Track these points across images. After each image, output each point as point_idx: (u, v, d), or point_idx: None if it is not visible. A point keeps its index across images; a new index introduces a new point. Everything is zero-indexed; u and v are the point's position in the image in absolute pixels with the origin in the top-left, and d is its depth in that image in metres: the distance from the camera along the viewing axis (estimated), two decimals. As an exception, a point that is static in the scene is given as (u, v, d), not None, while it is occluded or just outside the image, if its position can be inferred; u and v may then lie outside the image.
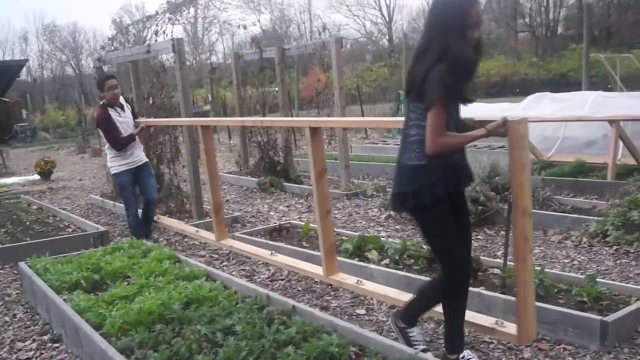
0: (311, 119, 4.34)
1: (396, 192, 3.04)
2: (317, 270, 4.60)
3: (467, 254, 3.16)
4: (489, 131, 2.81)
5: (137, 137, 6.35)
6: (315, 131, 4.21)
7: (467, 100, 2.94)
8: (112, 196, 9.15)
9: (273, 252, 5.20)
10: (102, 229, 6.70)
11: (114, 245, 5.34)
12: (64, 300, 4.02)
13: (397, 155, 3.05)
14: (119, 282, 4.29)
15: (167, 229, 7.05)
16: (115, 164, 6.26)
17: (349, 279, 4.35)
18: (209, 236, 6.10)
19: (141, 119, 6.71)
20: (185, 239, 6.60)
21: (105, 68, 9.08)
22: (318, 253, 5.18)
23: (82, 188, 11.57)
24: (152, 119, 7.22)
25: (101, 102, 6.31)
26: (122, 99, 6.38)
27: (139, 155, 6.39)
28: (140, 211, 6.56)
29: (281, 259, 5.09)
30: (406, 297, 3.70)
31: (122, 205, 8.44)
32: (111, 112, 6.16)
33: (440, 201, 2.92)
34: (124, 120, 6.26)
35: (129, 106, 6.50)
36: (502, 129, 2.77)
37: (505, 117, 2.78)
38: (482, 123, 2.90)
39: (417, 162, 2.88)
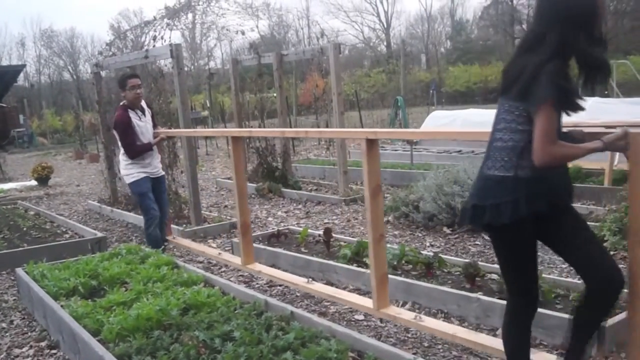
0: (369, 130, 3.89)
1: (472, 204, 2.59)
2: (364, 302, 4.10)
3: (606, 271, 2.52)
4: (605, 144, 2.42)
5: (154, 147, 5.93)
6: (372, 143, 3.78)
7: (578, 107, 2.42)
8: (110, 202, 9.15)
9: (310, 279, 4.70)
10: (99, 234, 6.69)
11: (112, 251, 5.33)
12: (62, 306, 4.01)
13: (482, 162, 2.63)
14: (116, 288, 4.28)
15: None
16: (132, 171, 5.77)
17: (405, 314, 3.85)
18: (234, 260, 5.52)
19: (161, 129, 6.27)
20: (183, 245, 6.59)
21: (102, 73, 9.11)
22: (316, 259, 5.20)
23: (80, 194, 11.56)
24: (173, 130, 6.83)
25: (121, 103, 5.88)
26: (143, 102, 5.95)
27: (157, 166, 5.98)
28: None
29: (320, 287, 4.56)
30: (477, 337, 3.47)
31: (120, 210, 8.47)
32: (131, 114, 5.72)
33: (523, 222, 2.47)
34: (143, 125, 5.81)
35: (150, 111, 6.07)
36: (622, 142, 2.42)
37: (625, 128, 2.43)
38: (594, 135, 2.51)
39: (504, 172, 2.47)
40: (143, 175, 5.77)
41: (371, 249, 3.84)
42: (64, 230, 7.40)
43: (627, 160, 2.51)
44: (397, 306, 4.31)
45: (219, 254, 5.76)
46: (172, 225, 7.06)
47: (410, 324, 3.72)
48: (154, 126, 6.09)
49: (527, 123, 2.40)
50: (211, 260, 6.05)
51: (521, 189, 2.44)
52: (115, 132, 5.87)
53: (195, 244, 6.44)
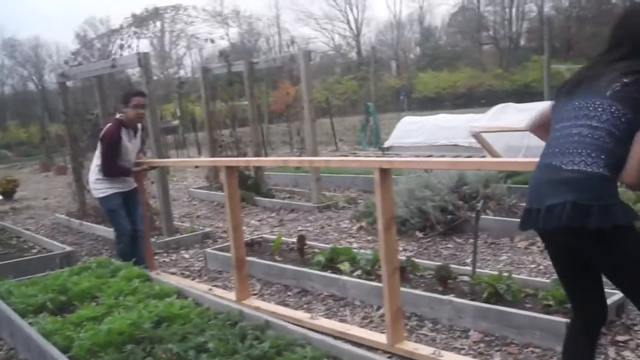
0: (383, 159, 3.51)
1: (572, 201, 2.18)
2: (377, 337, 3.77)
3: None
4: None
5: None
6: (385, 173, 3.48)
7: None
8: (79, 215, 8.98)
9: (313, 315, 4.29)
10: (68, 248, 6.52)
11: (82, 265, 5.21)
12: (30, 323, 3.90)
13: (565, 157, 2.29)
14: (87, 303, 4.18)
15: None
16: (102, 185, 5.49)
17: (422, 349, 3.52)
18: (227, 295, 4.87)
19: (145, 159, 5.86)
20: (155, 256, 6.48)
21: (69, 83, 8.96)
22: (290, 266, 5.18)
23: (47, 207, 11.34)
24: (157, 160, 6.27)
25: (118, 115, 5.54)
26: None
27: (129, 180, 5.64)
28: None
29: (325, 323, 4.11)
30: None
31: (89, 223, 8.33)
32: (123, 133, 5.42)
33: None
34: (131, 147, 5.52)
35: (141, 130, 5.74)
36: None
37: None
38: None
39: (608, 173, 2.19)
40: (113, 191, 5.49)
41: (385, 283, 3.53)
42: (31, 245, 7.22)
43: None
44: (372, 312, 4.31)
45: (210, 289, 5.15)
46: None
47: (428, 359, 3.41)
48: (143, 143, 5.83)
49: (627, 133, 2.22)
50: (184, 271, 5.98)
51: (616, 195, 2.22)
52: (100, 144, 5.53)
53: (183, 280, 5.65)
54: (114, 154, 5.40)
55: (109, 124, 5.51)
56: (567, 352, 2.58)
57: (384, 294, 3.57)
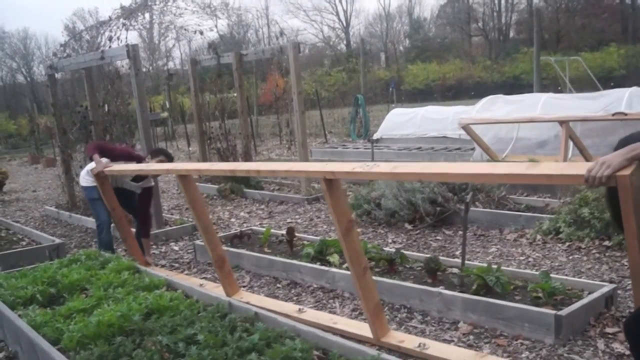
0: (327, 170, 3.34)
1: None
2: (362, 331, 3.74)
3: None
4: None
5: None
6: (331, 183, 3.30)
7: None
8: (68, 207, 8.96)
9: (301, 308, 4.24)
10: (57, 241, 6.53)
11: (71, 257, 5.21)
12: (19, 315, 3.90)
13: None
14: (76, 295, 4.19)
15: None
16: (91, 178, 5.70)
17: (408, 341, 3.52)
18: (218, 290, 4.72)
19: (114, 164, 5.69)
20: (145, 249, 6.49)
21: (58, 75, 8.91)
22: (280, 259, 5.20)
23: (37, 199, 11.29)
24: (116, 167, 5.75)
25: (133, 148, 6.09)
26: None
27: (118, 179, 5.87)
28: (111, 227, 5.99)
29: (313, 317, 4.07)
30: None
31: (78, 215, 8.32)
32: (125, 159, 5.74)
33: None
34: (118, 161, 5.69)
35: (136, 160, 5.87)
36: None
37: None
38: None
39: None
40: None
41: (357, 284, 3.49)
42: (21, 237, 7.22)
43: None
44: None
45: (201, 285, 4.99)
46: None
47: (414, 352, 3.41)
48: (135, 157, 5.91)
49: None
50: (174, 263, 5.99)
51: None
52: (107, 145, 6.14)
53: (174, 274, 5.54)
54: (102, 144, 5.89)
55: (123, 145, 6.32)
56: None
57: (359, 294, 3.54)
